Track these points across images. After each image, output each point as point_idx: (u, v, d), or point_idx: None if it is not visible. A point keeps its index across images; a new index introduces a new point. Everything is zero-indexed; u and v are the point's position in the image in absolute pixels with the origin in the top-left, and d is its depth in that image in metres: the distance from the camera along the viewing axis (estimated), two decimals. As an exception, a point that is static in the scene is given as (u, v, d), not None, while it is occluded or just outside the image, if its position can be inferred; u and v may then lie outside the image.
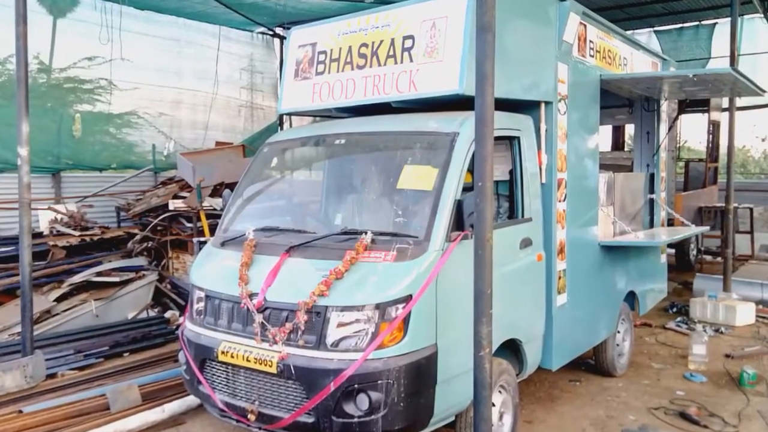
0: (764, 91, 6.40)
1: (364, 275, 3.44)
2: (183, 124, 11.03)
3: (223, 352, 3.66)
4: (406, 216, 3.77)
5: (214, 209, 7.88)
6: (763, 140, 18.51)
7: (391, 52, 4.27)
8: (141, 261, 8.01)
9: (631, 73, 6.05)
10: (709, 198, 10.76)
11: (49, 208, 8.08)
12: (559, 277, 4.70)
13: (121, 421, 4.54)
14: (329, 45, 4.65)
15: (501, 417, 4.04)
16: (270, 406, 3.52)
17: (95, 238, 7.72)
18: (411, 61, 4.16)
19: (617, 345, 5.74)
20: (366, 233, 3.55)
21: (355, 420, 3.26)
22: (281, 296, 3.56)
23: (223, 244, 4.26)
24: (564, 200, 4.77)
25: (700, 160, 11.46)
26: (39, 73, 9.08)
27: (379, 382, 3.24)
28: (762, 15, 10.97)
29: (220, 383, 3.77)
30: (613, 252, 5.57)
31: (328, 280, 3.41)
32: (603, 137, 9.77)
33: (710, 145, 11.01)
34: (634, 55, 6.18)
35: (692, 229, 7.30)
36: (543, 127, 4.58)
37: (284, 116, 11.57)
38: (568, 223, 4.82)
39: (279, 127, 11.93)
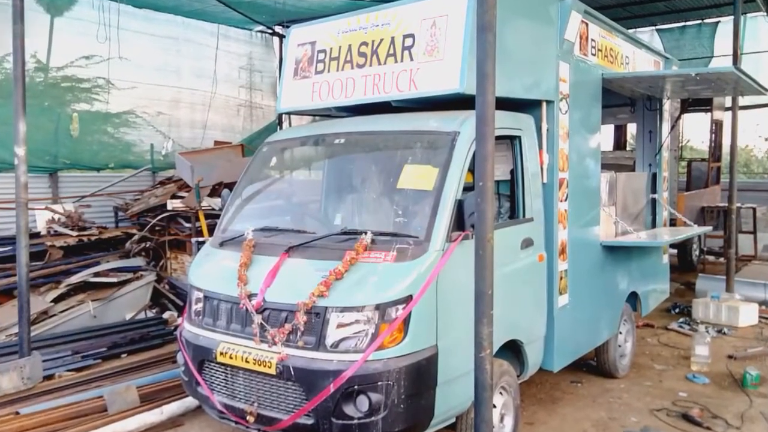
0: (767, 90, 6.36)
1: (364, 276, 3.40)
2: (181, 124, 10.99)
3: (221, 353, 3.62)
4: (406, 216, 3.74)
5: (213, 209, 7.85)
6: (766, 140, 18.47)
7: (391, 51, 4.24)
8: (139, 261, 7.97)
9: (634, 72, 6.02)
10: (711, 198, 10.73)
11: (47, 208, 8.05)
12: (561, 278, 4.67)
13: (119, 422, 4.52)
14: (329, 43, 4.62)
15: (502, 419, 4.01)
16: (269, 408, 3.49)
17: (93, 238, 7.69)
18: (411, 59, 4.13)
19: (619, 346, 5.71)
20: (366, 233, 3.52)
21: (355, 422, 3.23)
22: (280, 297, 3.53)
23: (221, 245, 4.23)
24: (565, 200, 4.74)
25: (703, 159, 11.42)
26: (36, 72, 9.03)
27: (379, 383, 3.21)
28: (765, 13, 10.93)
29: (218, 384, 3.74)
30: (615, 252, 5.53)
31: (328, 280, 3.38)
32: (605, 136, 9.72)
33: (713, 144, 10.97)
34: (637, 54, 6.15)
35: (695, 230, 7.28)
36: (544, 126, 4.56)
37: (283, 115, 11.53)
38: (569, 223, 4.78)
39: (278, 127, 11.90)
